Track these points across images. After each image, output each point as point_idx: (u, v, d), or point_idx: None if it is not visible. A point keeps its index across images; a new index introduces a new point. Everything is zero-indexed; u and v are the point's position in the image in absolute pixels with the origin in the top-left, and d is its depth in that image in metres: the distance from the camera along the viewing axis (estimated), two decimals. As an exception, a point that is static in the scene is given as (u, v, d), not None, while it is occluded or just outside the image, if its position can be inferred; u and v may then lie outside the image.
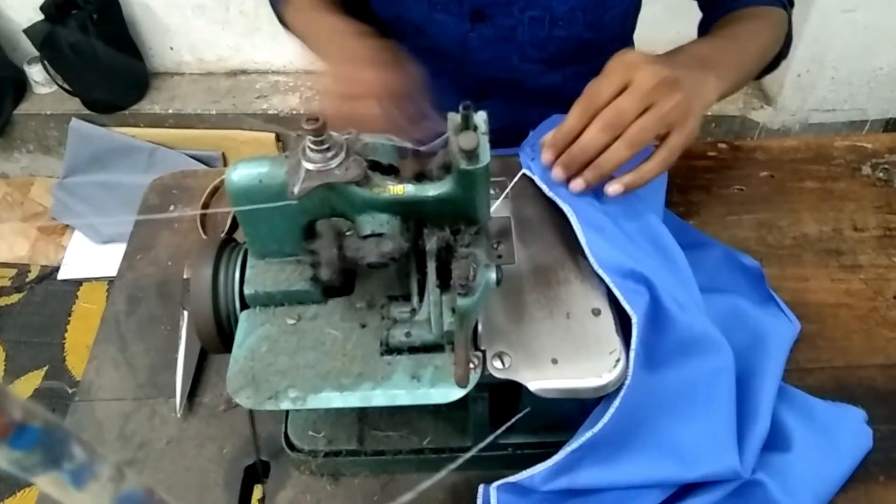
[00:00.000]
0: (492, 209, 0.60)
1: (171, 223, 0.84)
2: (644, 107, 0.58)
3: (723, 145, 0.89)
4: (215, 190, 0.88)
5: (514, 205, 0.63)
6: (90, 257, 2.02)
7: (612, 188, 0.61)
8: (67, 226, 2.10)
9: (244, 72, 2.20)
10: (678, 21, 1.38)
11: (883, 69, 1.90)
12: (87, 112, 2.08)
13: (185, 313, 0.75)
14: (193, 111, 2.08)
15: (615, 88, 0.58)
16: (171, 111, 2.09)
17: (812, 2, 1.73)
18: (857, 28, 1.79)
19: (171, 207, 0.86)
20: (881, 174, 0.85)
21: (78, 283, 1.97)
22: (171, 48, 2.16)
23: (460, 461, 0.44)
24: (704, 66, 0.66)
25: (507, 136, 0.94)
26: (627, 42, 0.92)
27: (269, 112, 2.08)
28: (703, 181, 0.85)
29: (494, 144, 0.87)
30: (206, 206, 0.88)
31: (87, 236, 2.06)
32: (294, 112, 2.07)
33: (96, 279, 1.97)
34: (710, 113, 2.08)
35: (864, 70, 1.91)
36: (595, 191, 0.62)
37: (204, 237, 0.83)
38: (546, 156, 0.62)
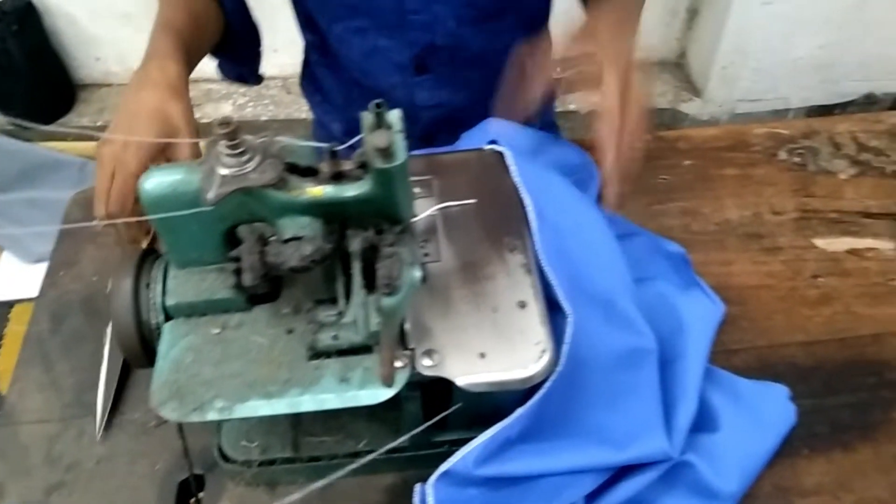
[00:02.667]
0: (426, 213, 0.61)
1: (95, 237, 0.82)
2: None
3: (646, 136, 0.91)
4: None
5: (440, 202, 0.63)
6: (21, 278, 1.95)
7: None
8: (-3, 246, 2.03)
9: (175, 80, 2.15)
10: None
11: (802, 58, 1.97)
12: (12, 127, 2.01)
13: (108, 330, 0.73)
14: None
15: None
16: (100, 123, 2.03)
17: (732, -5, 1.79)
18: (777, 19, 1.85)
19: (96, 221, 0.83)
20: (797, 159, 0.89)
21: (9, 304, 1.90)
22: (98, 59, 2.10)
23: (350, 468, 0.44)
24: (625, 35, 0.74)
25: (446, 117, 0.95)
26: None
27: (203, 121, 2.05)
28: (629, 172, 0.87)
29: (433, 126, 0.88)
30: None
31: (17, 256, 1.98)
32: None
33: (28, 300, 1.91)
34: (642, 106, 2.12)
35: (784, 60, 1.98)
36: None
37: (128, 249, 0.81)
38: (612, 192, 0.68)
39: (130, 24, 2.00)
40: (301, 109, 2.10)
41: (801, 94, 2.08)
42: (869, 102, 2.09)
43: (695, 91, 2.15)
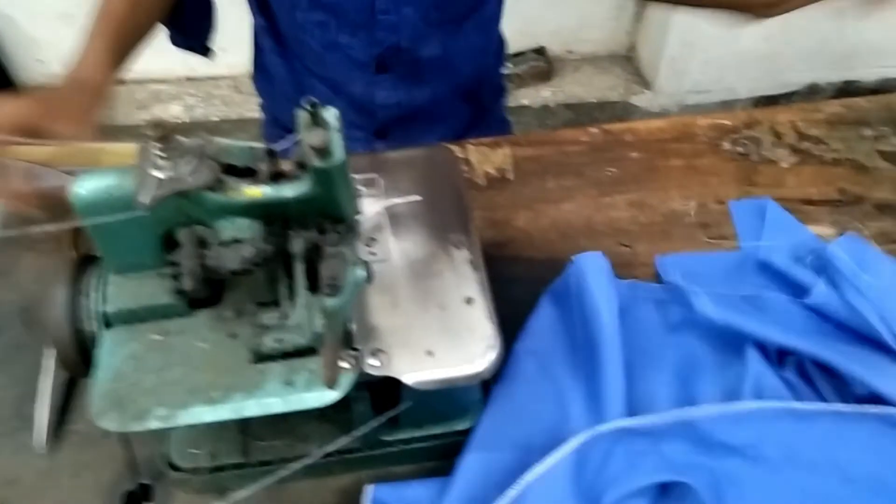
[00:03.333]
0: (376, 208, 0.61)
1: (34, 245, 0.79)
2: None
3: (594, 130, 0.92)
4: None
5: (387, 200, 0.63)
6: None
7: None
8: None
9: (122, 81, 2.11)
10: None
11: (748, 50, 2.02)
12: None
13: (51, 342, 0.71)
14: (68, 125, 1.98)
15: None
16: (42, 127, 1.97)
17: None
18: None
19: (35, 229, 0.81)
20: (740, 149, 0.90)
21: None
22: (40, 60, 2.04)
23: (296, 466, 0.43)
24: None
25: (402, 114, 0.96)
26: None
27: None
28: (576, 166, 0.88)
29: (390, 123, 0.88)
30: (77, 230, 0.84)
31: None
32: (177, 121, 2.00)
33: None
34: (593, 99, 2.15)
35: (731, 51, 2.01)
36: None
37: (75, 256, 0.79)
38: None
39: (73, 23, 1.93)
40: (253, 108, 2.06)
41: (748, 84, 2.13)
42: (812, 92, 2.15)
43: (645, 84, 2.18)
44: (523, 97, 2.14)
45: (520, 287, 0.73)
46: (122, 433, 0.61)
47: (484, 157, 0.87)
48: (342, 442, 0.50)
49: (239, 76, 2.10)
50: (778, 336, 0.66)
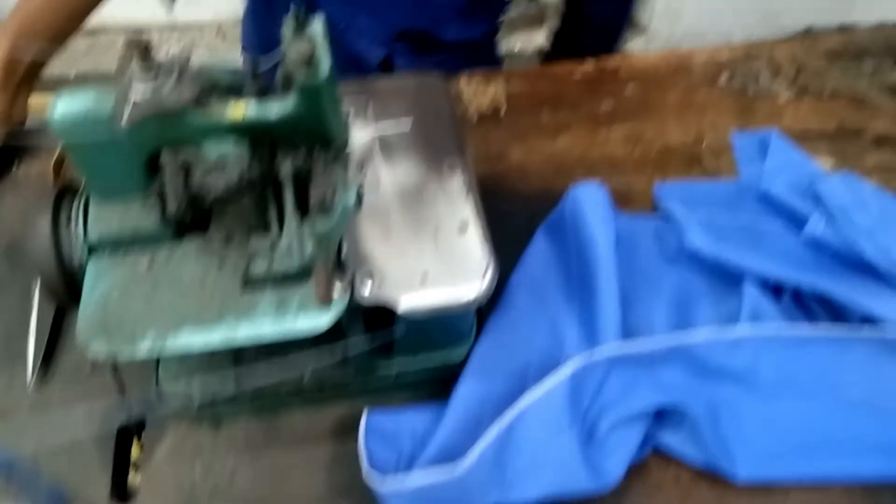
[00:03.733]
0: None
1: (16, 183, 0.78)
2: None
3: (589, 65, 0.90)
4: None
5: (377, 127, 0.61)
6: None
7: None
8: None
9: (104, 30, 2.06)
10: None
11: (745, -5, 1.97)
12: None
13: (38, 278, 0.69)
14: (50, 75, 1.93)
15: None
16: (25, 76, 1.93)
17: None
18: (718, -48, 1.84)
19: (15, 166, 0.79)
20: (737, 83, 0.88)
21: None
22: (19, 7, 1.99)
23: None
24: None
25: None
26: None
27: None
28: (571, 100, 0.86)
29: None
30: (59, 162, 0.82)
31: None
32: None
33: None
34: (587, 46, 2.11)
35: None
36: None
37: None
38: None
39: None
40: (237, 56, 2.03)
41: (743, 30, 2.08)
42: (808, 36, 2.11)
43: (638, 29, 2.14)
44: (516, 42, 2.10)
45: (514, 222, 0.72)
46: (113, 365, 0.61)
47: (477, 92, 0.85)
48: (335, 357, 0.49)
49: (224, 23, 2.05)
50: (772, 269, 0.66)
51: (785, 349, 0.61)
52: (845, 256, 0.69)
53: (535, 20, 2.13)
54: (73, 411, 0.63)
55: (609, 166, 0.79)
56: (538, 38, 2.13)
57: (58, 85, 1.64)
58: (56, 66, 2.00)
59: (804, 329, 0.62)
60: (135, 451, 0.64)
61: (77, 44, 2.02)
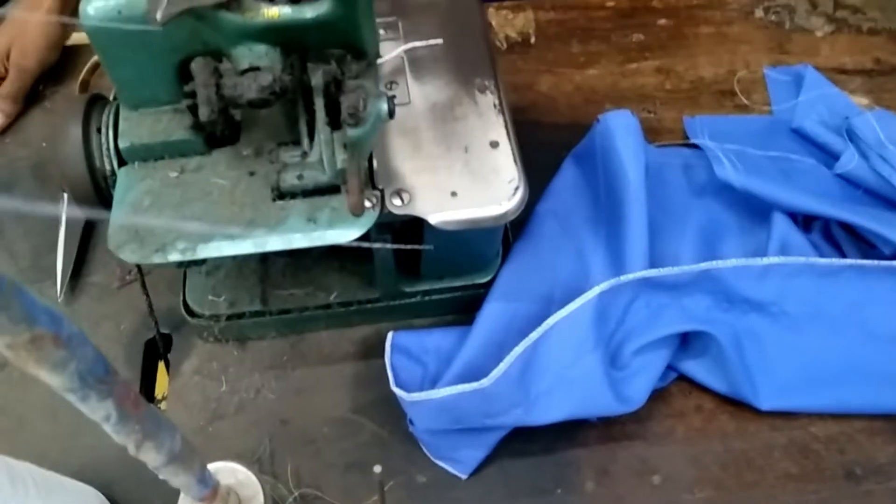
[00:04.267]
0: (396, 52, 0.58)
1: (43, 102, 0.77)
2: None
3: (620, -5, 0.88)
4: (97, 65, 0.80)
5: (408, 42, 0.60)
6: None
7: None
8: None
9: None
10: None
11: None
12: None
13: (65, 196, 0.69)
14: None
15: None
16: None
17: None
18: None
19: (41, 86, 0.78)
20: (773, 17, 0.86)
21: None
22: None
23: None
24: None
25: None
26: None
27: None
28: (602, 31, 0.84)
29: None
30: (85, 83, 0.81)
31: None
32: None
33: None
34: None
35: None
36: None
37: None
38: None
39: None
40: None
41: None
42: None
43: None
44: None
45: (542, 151, 0.70)
46: (141, 281, 0.61)
47: (506, 21, 0.84)
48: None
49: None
50: (802, 202, 0.65)
51: (812, 280, 0.61)
52: (877, 192, 0.68)
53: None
54: (102, 329, 0.64)
55: (639, 98, 0.78)
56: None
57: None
58: None
59: (833, 261, 0.61)
60: (161, 368, 0.65)
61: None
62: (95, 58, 0.80)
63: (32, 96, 0.77)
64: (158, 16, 0.44)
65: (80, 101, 0.54)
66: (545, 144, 0.72)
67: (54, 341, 0.23)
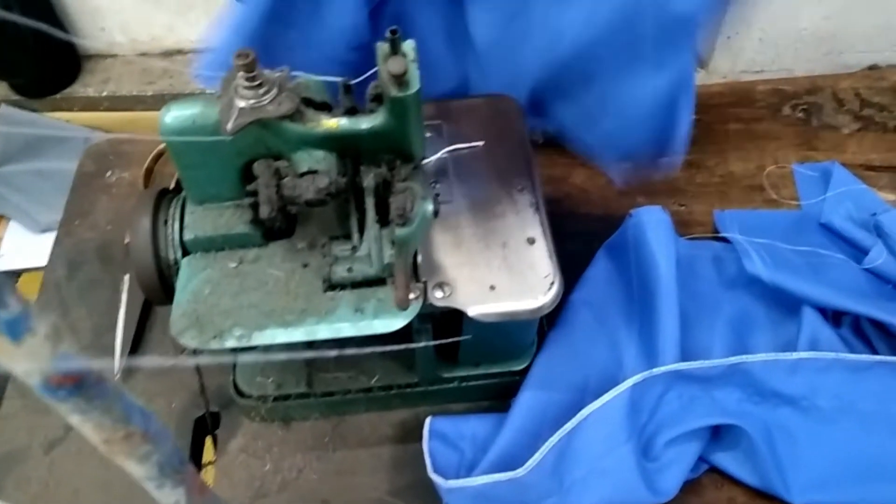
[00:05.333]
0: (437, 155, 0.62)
1: (110, 188, 0.83)
2: None
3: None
4: (160, 154, 0.87)
5: (452, 144, 0.64)
6: (28, 247, 1.97)
7: None
8: (2, 216, 2.04)
9: (180, 51, 2.16)
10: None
11: (807, 29, 1.97)
12: (17, 97, 2.02)
13: (126, 277, 0.74)
14: (129, 93, 2.04)
15: None
16: (105, 94, 2.04)
17: (737, -35, 1.79)
18: (781, -11, 1.85)
19: (108, 173, 0.85)
20: (801, 114, 0.90)
21: (17, 274, 1.92)
22: (103, 29, 2.10)
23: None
24: None
25: None
26: None
27: (208, 91, 2.05)
28: (634, 127, 0.88)
29: None
30: (149, 170, 0.87)
31: (24, 226, 2.00)
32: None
33: (36, 269, 1.92)
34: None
35: (789, 31, 1.97)
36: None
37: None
38: None
39: (135, -6, 2.00)
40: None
41: (805, 65, 2.07)
42: (874, 71, 2.09)
43: (699, 62, 2.15)
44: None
45: (576, 242, 0.74)
46: (195, 360, 0.64)
47: (542, 117, 0.88)
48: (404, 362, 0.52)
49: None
50: (832, 298, 0.66)
51: (843, 375, 0.62)
52: None
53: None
54: (155, 406, 0.67)
55: (670, 192, 0.81)
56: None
57: (136, 103, 1.73)
58: (134, 86, 2.11)
59: (863, 356, 0.62)
60: (209, 446, 0.67)
61: (154, 64, 2.13)
62: (160, 146, 0.87)
63: (100, 183, 0.83)
64: (229, 126, 0.49)
65: (150, 195, 0.59)
66: (579, 235, 0.75)
67: (143, 437, 0.26)
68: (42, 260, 2.06)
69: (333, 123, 0.50)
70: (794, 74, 2.11)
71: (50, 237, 2.08)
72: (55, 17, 1.98)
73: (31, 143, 2.04)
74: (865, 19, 1.96)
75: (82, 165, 0.86)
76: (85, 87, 2.04)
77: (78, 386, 0.23)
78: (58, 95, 2.02)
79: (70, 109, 2.03)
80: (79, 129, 2.01)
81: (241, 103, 0.49)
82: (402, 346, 0.51)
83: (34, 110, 2.02)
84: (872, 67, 2.09)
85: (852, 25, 2.00)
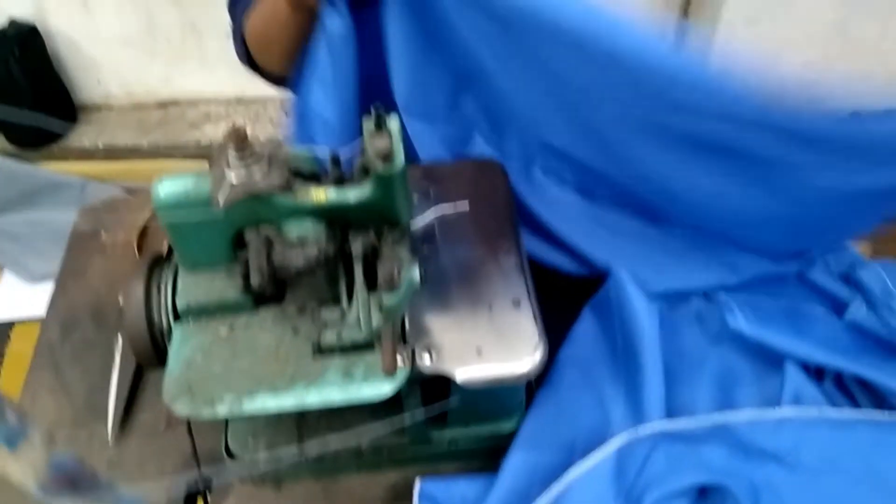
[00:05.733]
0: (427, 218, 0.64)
1: (104, 250, 0.85)
2: None
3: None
4: (153, 215, 0.88)
5: (438, 208, 0.66)
6: (22, 297, 1.97)
7: None
8: (-3, 266, 2.04)
9: (175, 102, 2.19)
10: None
11: (787, 77, 2.02)
12: (13, 148, 2.04)
13: (120, 339, 0.75)
14: (124, 144, 2.07)
15: None
16: (100, 145, 2.06)
17: (718, 16, 1.84)
18: (762, 38, 1.90)
19: (103, 233, 0.86)
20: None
21: (10, 324, 1.92)
22: (98, 81, 2.14)
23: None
24: None
25: None
26: None
27: (202, 142, 2.08)
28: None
29: None
30: (143, 231, 0.89)
31: (18, 276, 2.00)
32: (227, 140, 2.07)
33: (29, 320, 1.92)
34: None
35: (770, 79, 2.02)
36: None
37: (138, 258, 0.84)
38: None
39: (130, 46, 2.03)
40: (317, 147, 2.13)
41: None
42: (854, 120, 2.13)
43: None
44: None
45: (563, 297, 0.75)
46: (188, 424, 0.65)
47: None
48: (393, 425, 0.53)
49: (287, 99, 2.16)
50: (815, 354, 0.68)
51: (828, 432, 0.63)
52: (886, 342, 0.70)
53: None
54: (147, 469, 0.67)
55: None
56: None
57: (131, 154, 1.75)
58: (129, 137, 2.13)
59: (847, 412, 0.63)
60: (200, 506, 0.68)
61: (149, 115, 2.16)
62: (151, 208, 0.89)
63: (94, 243, 0.84)
64: (221, 201, 0.50)
65: (143, 262, 0.60)
66: (565, 290, 0.76)
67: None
68: (35, 310, 2.05)
69: (322, 195, 0.52)
70: (777, 120, 2.14)
71: (43, 287, 2.08)
72: (52, 70, 2.02)
73: (25, 194, 2.05)
74: (846, 66, 2.02)
75: (77, 226, 0.88)
76: (81, 138, 2.07)
77: (73, 485, 0.24)
78: (53, 146, 2.04)
79: (65, 159, 2.05)
80: (73, 178, 2.03)
81: (233, 178, 0.50)
82: (389, 420, 0.52)
83: (29, 161, 2.04)
84: (854, 114, 2.14)
85: (832, 73, 2.05)
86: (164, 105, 2.19)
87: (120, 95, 2.16)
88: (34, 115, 1.99)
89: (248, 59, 0.83)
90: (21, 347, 1.87)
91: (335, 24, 0.66)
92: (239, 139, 0.50)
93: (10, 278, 2.01)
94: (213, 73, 2.10)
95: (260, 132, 2.10)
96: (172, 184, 0.53)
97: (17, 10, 1.93)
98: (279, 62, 0.77)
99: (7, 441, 0.20)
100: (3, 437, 0.20)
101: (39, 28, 1.96)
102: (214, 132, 2.10)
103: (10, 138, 2.04)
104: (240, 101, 2.17)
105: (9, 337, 1.88)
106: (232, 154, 0.50)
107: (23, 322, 1.91)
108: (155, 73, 2.12)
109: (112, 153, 2.06)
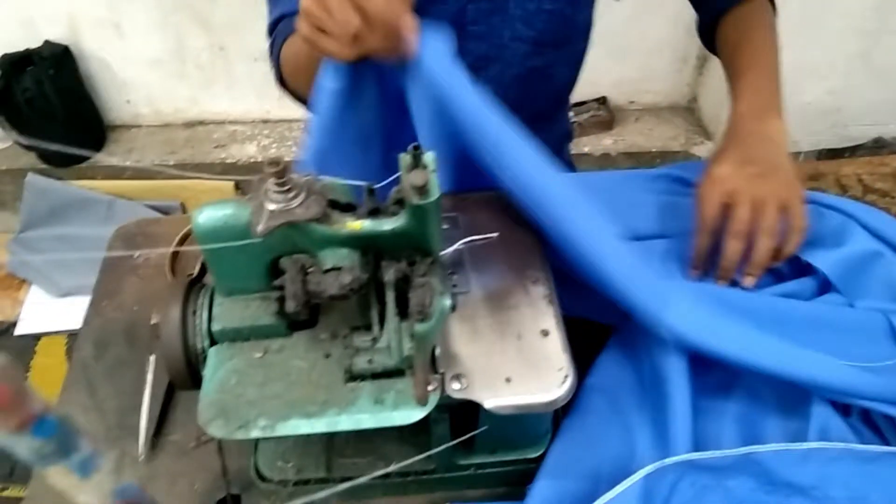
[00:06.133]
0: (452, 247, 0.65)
1: (137, 270, 0.87)
2: (755, 207, 0.73)
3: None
4: (185, 236, 0.90)
5: (466, 237, 0.67)
6: (48, 311, 2.01)
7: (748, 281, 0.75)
8: (24, 280, 2.08)
9: (202, 122, 2.23)
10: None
11: (811, 103, 2.02)
12: (44, 166, 2.09)
13: (152, 358, 0.77)
14: (151, 162, 2.11)
15: (720, 206, 0.74)
16: (128, 163, 2.11)
17: (742, 43, 1.85)
18: (785, 65, 1.91)
19: (136, 254, 0.88)
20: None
21: (36, 337, 1.95)
22: (128, 101, 2.18)
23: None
24: (766, 121, 0.81)
25: None
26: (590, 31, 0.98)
27: (227, 161, 2.11)
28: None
29: None
30: (175, 253, 0.91)
31: (44, 290, 2.04)
32: (252, 160, 2.11)
33: (55, 333, 1.95)
34: (654, 149, 2.18)
35: (794, 105, 2.01)
36: None
37: (172, 280, 0.85)
38: (695, 274, 0.77)
39: (160, 68, 2.08)
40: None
41: (811, 138, 2.13)
42: (878, 146, 2.13)
43: (706, 134, 2.20)
44: (585, 145, 2.19)
45: (591, 324, 0.76)
46: (218, 444, 0.66)
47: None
48: (422, 450, 0.54)
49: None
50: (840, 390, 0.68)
51: (854, 466, 0.63)
52: None
53: (604, 124, 2.22)
54: (178, 487, 0.69)
55: (680, 276, 0.83)
56: (606, 141, 2.21)
57: (158, 172, 1.78)
58: (157, 155, 2.17)
59: (874, 447, 0.63)
60: (228, 527, 0.68)
61: (177, 135, 2.20)
62: (186, 228, 0.91)
63: (128, 264, 0.86)
64: (260, 228, 0.52)
65: (180, 285, 0.62)
66: (592, 321, 0.77)
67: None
68: (61, 324, 2.08)
69: (357, 225, 0.53)
70: (799, 148, 2.15)
71: (69, 301, 2.12)
72: (84, 91, 2.07)
73: (55, 210, 2.10)
74: (868, 93, 2.02)
75: (111, 247, 0.90)
76: (109, 157, 2.12)
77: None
78: (83, 164, 2.09)
79: (94, 178, 2.09)
80: (101, 195, 2.07)
81: (272, 206, 0.52)
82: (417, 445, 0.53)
83: (60, 178, 2.09)
84: (877, 140, 2.14)
85: (856, 99, 2.05)
86: (191, 125, 2.23)
87: (148, 115, 2.21)
88: (63, 142, 2.04)
89: (282, 81, 0.86)
90: (46, 360, 1.90)
91: (328, 82, 0.67)
92: (279, 170, 0.51)
93: (37, 292, 2.05)
94: (239, 95, 2.14)
95: (285, 153, 2.13)
96: (212, 211, 0.55)
97: (51, 32, 1.99)
98: (307, 87, 0.79)
99: (80, 469, 0.21)
100: (76, 466, 0.21)
101: (72, 49, 2.01)
102: (240, 152, 2.13)
103: (43, 156, 2.08)
104: (265, 123, 2.20)
105: (35, 350, 1.92)
106: (272, 185, 0.52)
107: (49, 335, 1.95)
108: (183, 94, 2.16)
109: (139, 172, 2.10)
